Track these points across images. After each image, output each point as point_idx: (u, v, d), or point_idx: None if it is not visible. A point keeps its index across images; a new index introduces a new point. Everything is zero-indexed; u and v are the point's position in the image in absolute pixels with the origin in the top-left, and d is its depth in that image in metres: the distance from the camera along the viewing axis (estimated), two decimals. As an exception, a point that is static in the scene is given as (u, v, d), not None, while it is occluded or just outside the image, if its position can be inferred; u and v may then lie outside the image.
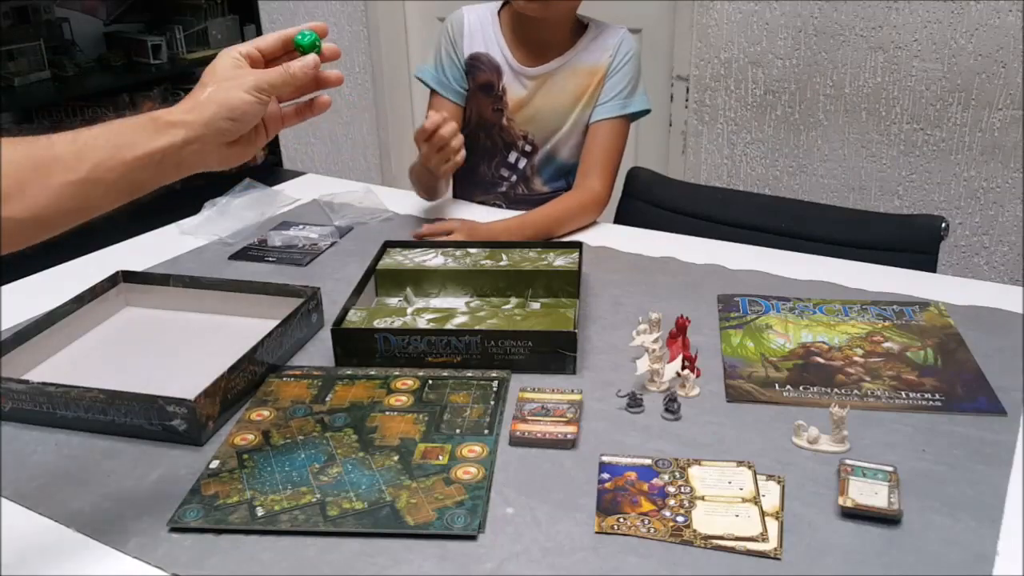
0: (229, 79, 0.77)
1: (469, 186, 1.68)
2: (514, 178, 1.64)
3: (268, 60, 0.84)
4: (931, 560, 0.75)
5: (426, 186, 1.59)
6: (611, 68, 1.55)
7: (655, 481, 0.86)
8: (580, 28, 1.58)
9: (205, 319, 1.21)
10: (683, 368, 1.01)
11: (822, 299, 1.23)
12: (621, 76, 1.55)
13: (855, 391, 1.01)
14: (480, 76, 1.58)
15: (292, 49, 0.84)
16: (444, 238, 1.40)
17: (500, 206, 1.66)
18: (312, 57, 0.82)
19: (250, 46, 0.81)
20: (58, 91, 1.93)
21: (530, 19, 1.51)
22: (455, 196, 1.67)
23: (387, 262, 1.29)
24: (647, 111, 1.59)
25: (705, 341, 1.12)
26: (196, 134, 0.75)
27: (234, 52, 0.79)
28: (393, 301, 1.26)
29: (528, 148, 1.61)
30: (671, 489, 0.84)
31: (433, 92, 1.62)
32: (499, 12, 1.59)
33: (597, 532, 0.79)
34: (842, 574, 0.74)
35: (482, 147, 1.63)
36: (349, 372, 1.07)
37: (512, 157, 1.63)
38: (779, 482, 0.85)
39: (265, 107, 0.79)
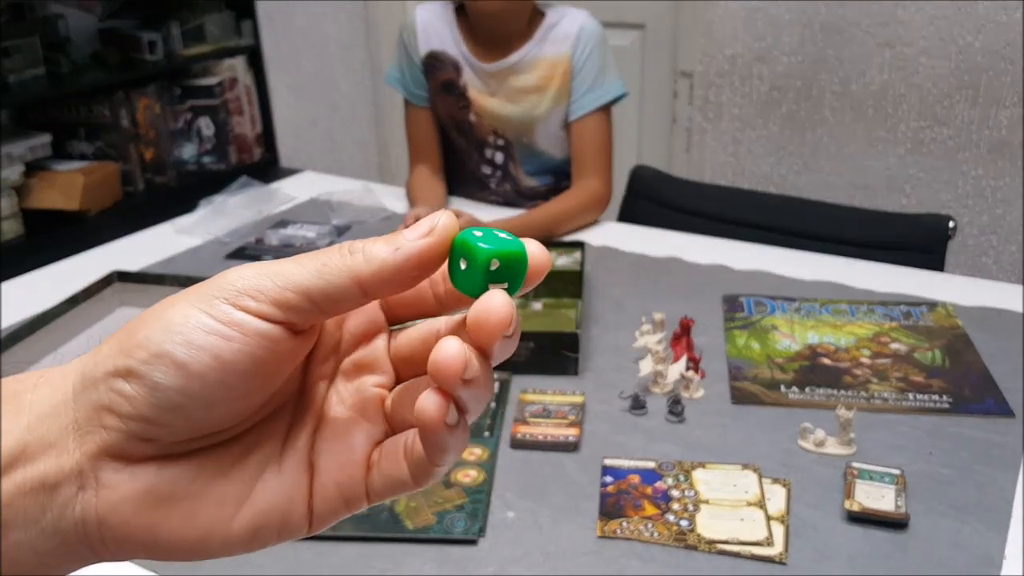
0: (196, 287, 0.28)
1: (459, 185, 1.67)
2: (499, 174, 1.63)
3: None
4: (938, 564, 0.74)
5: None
6: (576, 61, 1.51)
7: (659, 484, 0.84)
8: (539, 16, 1.53)
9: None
10: (687, 369, 1.00)
11: (828, 299, 1.22)
12: (589, 68, 1.51)
13: (862, 393, 0.99)
14: (441, 75, 1.56)
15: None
16: None
17: (499, 204, 1.65)
18: (440, 220, 0.28)
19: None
20: (53, 88, 1.91)
21: (486, 15, 1.48)
22: (451, 194, 1.66)
23: (387, 261, 1.28)
24: (624, 95, 1.56)
25: (710, 342, 1.10)
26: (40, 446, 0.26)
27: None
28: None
29: (500, 143, 1.59)
30: (675, 493, 0.83)
31: (406, 100, 1.62)
32: (456, 8, 1.56)
33: (599, 536, 0.78)
34: (849, 581, 0.73)
35: (458, 145, 1.63)
36: (348, 372, 1.05)
37: (488, 153, 1.62)
38: (785, 485, 0.84)
39: (260, 353, 0.26)
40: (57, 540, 0.26)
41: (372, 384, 0.31)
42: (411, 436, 0.29)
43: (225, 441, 0.28)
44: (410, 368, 0.31)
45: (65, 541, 0.26)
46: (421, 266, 0.27)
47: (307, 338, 0.28)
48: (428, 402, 0.26)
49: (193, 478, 0.27)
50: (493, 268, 0.27)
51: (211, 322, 0.26)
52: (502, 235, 0.27)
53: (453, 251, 0.28)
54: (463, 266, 0.27)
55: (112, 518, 0.26)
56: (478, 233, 0.27)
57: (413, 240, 0.27)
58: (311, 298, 0.27)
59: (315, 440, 0.29)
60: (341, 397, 0.30)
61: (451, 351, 0.26)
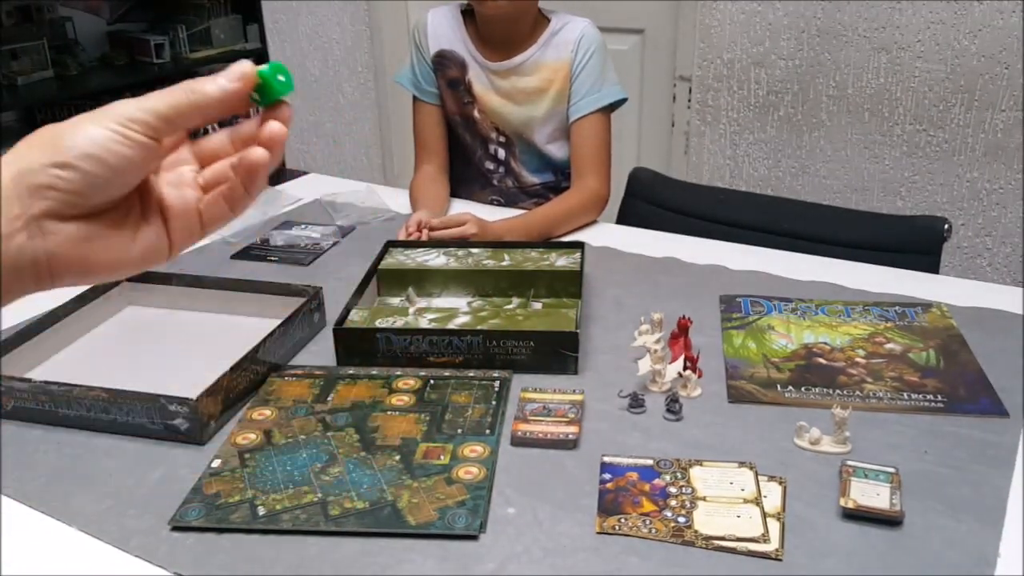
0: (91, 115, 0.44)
1: (463, 182, 1.70)
2: (501, 170, 1.67)
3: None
4: (933, 562, 0.75)
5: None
6: (576, 65, 1.56)
7: (656, 482, 0.86)
8: (543, 22, 1.59)
9: (207, 318, 1.21)
10: (685, 369, 1.01)
11: (824, 300, 1.23)
12: (588, 71, 1.56)
13: (857, 392, 1.01)
14: (448, 72, 1.62)
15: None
16: (455, 231, 1.39)
17: (500, 203, 1.67)
18: (244, 68, 0.46)
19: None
20: (61, 90, 1.93)
21: (490, 16, 1.52)
22: (455, 195, 1.68)
23: (389, 262, 1.29)
24: (624, 100, 1.60)
25: (707, 342, 1.12)
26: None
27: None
28: (395, 301, 1.26)
29: (502, 139, 1.64)
30: (672, 490, 0.84)
31: (415, 98, 1.67)
32: (463, 10, 1.62)
33: (598, 532, 0.79)
34: (843, 575, 0.74)
35: (463, 141, 1.67)
36: (351, 372, 1.07)
37: (492, 149, 1.66)
38: (781, 483, 0.85)
39: (144, 154, 0.44)
40: (13, 275, 0.42)
41: (189, 177, 0.49)
42: (224, 187, 0.48)
43: (113, 214, 0.45)
44: (212, 160, 0.49)
45: (20, 277, 0.42)
46: (224, 102, 0.45)
47: (163, 149, 0.46)
48: (259, 151, 0.46)
49: (101, 228, 0.44)
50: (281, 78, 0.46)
51: (111, 134, 0.43)
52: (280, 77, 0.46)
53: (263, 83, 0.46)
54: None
55: (58, 251, 0.43)
56: (280, 77, 0.46)
57: (228, 80, 0.45)
58: (162, 115, 0.44)
59: (163, 208, 0.48)
60: (170, 190, 0.48)
61: (280, 127, 0.46)
